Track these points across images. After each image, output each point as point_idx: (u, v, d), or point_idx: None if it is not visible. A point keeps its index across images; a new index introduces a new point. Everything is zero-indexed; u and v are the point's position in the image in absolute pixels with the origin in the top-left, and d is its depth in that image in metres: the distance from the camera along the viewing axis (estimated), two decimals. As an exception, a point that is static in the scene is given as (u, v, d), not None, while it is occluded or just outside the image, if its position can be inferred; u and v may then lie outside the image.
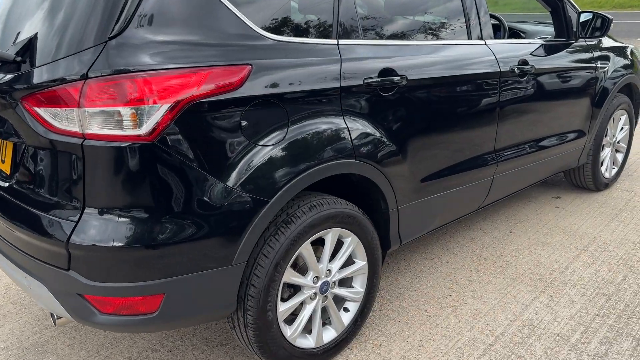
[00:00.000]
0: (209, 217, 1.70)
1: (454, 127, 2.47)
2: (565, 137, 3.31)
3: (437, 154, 2.43)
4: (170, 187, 1.65)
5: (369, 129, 2.09)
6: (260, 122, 1.78)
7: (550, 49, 3.08)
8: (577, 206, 3.66)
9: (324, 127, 1.95)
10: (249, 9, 1.84)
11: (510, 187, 3.08)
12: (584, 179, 3.77)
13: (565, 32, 3.23)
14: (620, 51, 3.68)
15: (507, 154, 2.86)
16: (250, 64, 1.74)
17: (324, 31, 2.03)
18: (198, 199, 1.68)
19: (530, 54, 2.91)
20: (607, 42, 3.65)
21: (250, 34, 1.79)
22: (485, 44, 2.65)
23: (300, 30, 1.97)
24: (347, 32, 2.07)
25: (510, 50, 2.78)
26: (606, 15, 3.15)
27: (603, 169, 3.82)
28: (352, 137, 2.03)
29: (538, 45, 3.02)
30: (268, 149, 1.79)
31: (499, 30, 3.46)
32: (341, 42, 2.05)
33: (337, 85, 1.97)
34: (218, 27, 1.72)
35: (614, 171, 3.96)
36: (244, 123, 1.73)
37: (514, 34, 3.63)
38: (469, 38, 2.60)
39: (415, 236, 2.55)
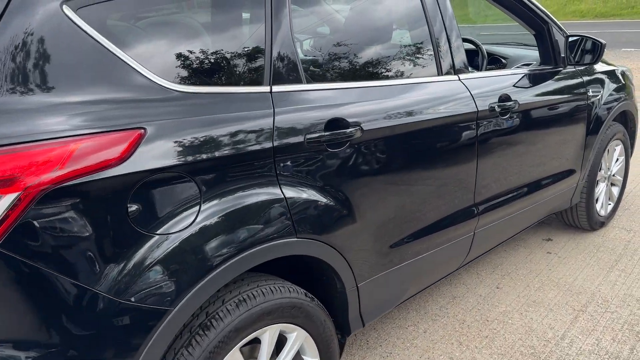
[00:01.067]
0: (86, 341, 1.25)
1: (423, 182, 2.05)
2: (556, 178, 2.90)
3: (404, 216, 2.00)
4: (27, 306, 1.21)
5: (315, 196, 1.66)
6: (158, 203, 1.34)
7: (535, 79, 2.68)
8: (570, 251, 3.25)
9: (251, 201, 1.51)
10: (142, 49, 1.40)
11: (495, 239, 2.67)
12: (578, 219, 3.36)
13: (551, 58, 2.83)
14: (612, 75, 3.30)
15: (489, 204, 2.44)
16: (142, 128, 1.30)
17: (251, 75, 1.60)
18: (68, 318, 1.23)
19: (513, 86, 2.50)
20: (598, 65, 3.27)
21: (146, 86, 1.36)
22: (459, 79, 2.24)
23: (218, 76, 1.54)
24: (282, 75, 1.64)
25: (490, 85, 2.37)
26: (598, 39, 2.76)
27: (598, 206, 3.42)
28: (292, 211, 1.59)
29: (521, 75, 2.62)
30: (170, 238, 1.35)
31: (477, 56, 3.07)
32: (275, 88, 1.62)
33: (269, 145, 1.53)
34: (95, 79, 1.29)
35: (610, 207, 3.56)
36: (132, 208, 1.29)
37: (494, 60, 3.23)
38: (439, 73, 2.18)
39: (382, 313, 2.12)
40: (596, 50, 2.77)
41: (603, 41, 2.74)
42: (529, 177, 2.66)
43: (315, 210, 1.65)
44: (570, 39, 2.80)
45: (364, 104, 1.82)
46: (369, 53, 2.06)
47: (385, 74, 2.03)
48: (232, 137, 1.46)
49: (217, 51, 1.57)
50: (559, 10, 21.33)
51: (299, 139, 1.60)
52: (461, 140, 2.18)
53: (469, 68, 2.33)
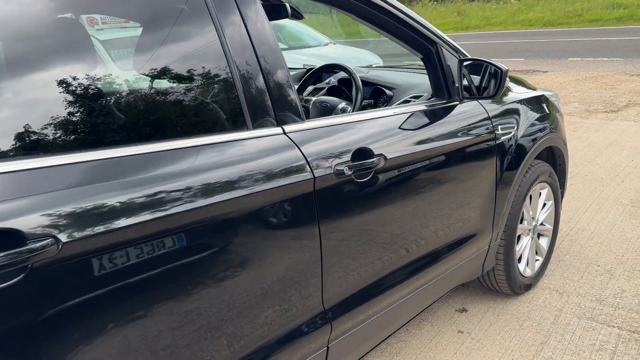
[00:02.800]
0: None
1: (229, 295, 1.33)
2: (456, 245, 2.22)
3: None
4: None
5: None
6: None
7: (418, 119, 2.00)
8: (488, 328, 2.57)
9: None
10: None
11: (367, 343, 1.95)
12: (497, 283, 2.69)
13: (443, 90, 2.16)
14: (532, 103, 2.65)
15: (348, 303, 1.73)
16: None
17: None
18: None
19: (382, 133, 1.80)
20: (514, 92, 2.62)
21: None
22: (284, 132, 1.52)
23: None
24: None
25: (338, 137, 1.66)
26: (498, 64, 2.09)
27: (522, 266, 2.76)
28: None
29: (396, 116, 1.93)
30: None
31: (349, 86, 2.37)
32: None
33: None
34: None
35: (538, 264, 2.90)
36: None
37: (378, 91, 2.54)
38: (250, 125, 1.46)
39: None
40: (497, 79, 2.10)
41: (504, 67, 2.07)
42: (411, 253, 1.96)
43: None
44: (465, 63, 2.13)
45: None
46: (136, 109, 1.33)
47: (139, 132, 1.30)
48: None
49: None
50: (508, 20, 21.22)
51: None
52: (287, 225, 1.46)
53: (302, 115, 1.61)
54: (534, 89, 2.90)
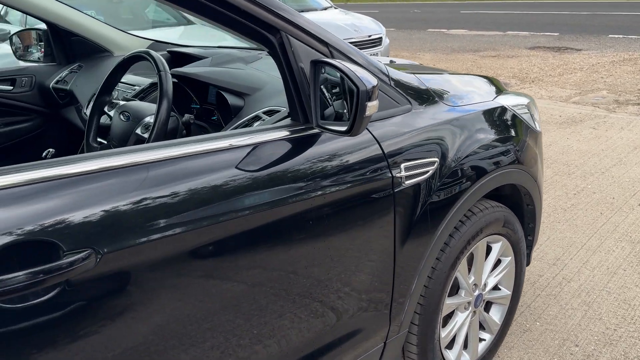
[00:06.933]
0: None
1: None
2: (327, 349, 1.41)
3: None
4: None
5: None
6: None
7: (249, 156, 1.16)
8: None
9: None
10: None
11: None
12: (413, 380, 1.87)
13: (295, 105, 1.30)
14: (479, 121, 1.75)
15: None
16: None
17: None
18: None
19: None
20: (450, 101, 1.74)
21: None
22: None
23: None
24: None
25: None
26: (358, 76, 1.17)
27: (454, 352, 1.92)
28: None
29: (200, 154, 1.11)
30: None
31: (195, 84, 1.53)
32: None
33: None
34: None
35: (483, 345, 2.05)
36: None
37: (221, 97, 1.67)
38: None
39: None
40: (353, 103, 1.18)
41: (367, 83, 1.15)
42: None
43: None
44: (320, 65, 1.25)
45: None
46: None
47: None
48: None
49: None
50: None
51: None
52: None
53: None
54: (500, 92, 2.00)
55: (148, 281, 1.00)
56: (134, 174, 1.01)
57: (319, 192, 1.26)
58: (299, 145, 1.29)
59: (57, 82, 2.34)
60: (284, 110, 1.45)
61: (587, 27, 12.25)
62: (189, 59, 2.14)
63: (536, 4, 18.29)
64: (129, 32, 2.50)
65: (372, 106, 1.12)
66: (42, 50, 2.87)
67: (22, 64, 2.87)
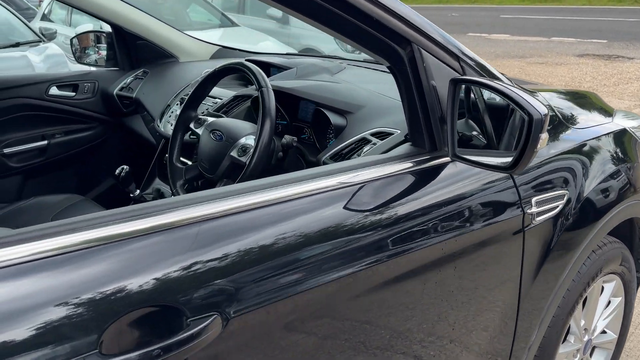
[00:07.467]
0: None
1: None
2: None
3: None
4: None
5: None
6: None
7: (373, 191, 0.99)
8: None
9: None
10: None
11: None
12: None
13: (422, 131, 1.12)
14: (606, 146, 1.55)
15: None
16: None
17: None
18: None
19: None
20: (577, 125, 1.53)
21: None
22: None
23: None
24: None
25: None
26: (530, 104, 0.97)
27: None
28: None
29: (325, 191, 0.94)
30: None
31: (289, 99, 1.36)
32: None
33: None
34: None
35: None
36: None
37: (321, 115, 1.49)
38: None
39: None
40: (521, 134, 0.98)
41: (539, 111, 0.95)
42: None
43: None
44: (464, 85, 1.07)
45: None
46: None
47: None
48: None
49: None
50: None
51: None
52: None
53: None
54: (610, 113, 1.78)
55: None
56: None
57: (451, 234, 1.08)
58: (426, 177, 1.10)
59: (121, 89, 2.20)
60: (399, 133, 1.27)
61: (636, 35, 11.79)
62: (265, 67, 1.98)
63: (578, 9, 17.79)
64: (196, 37, 2.36)
65: (544, 139, 0.93)
66: (99, 52, 2.75)
67: (79, 67, 2.75)
